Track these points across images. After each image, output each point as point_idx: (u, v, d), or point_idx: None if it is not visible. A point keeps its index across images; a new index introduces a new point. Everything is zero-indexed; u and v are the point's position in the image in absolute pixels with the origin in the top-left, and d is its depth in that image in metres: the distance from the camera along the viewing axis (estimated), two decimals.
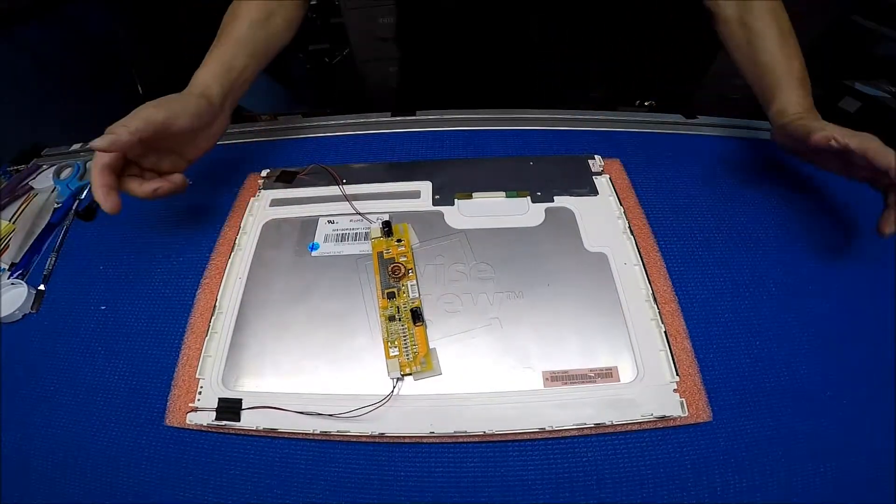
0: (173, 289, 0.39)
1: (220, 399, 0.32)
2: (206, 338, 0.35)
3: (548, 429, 0.30)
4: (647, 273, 0.37)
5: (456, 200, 0.43)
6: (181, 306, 0.38)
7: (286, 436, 0.31)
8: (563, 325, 0.34)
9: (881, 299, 0.37)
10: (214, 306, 0.36)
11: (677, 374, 0.32)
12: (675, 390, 0.31)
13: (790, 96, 0.41)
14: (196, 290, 0.38)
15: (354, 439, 0.31)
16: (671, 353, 0.33)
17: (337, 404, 0.31)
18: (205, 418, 0.31)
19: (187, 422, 0.32)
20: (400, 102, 0.56)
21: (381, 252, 0.39)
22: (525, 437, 0.30)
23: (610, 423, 0.30)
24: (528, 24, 0.58)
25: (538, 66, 0.62)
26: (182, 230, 0.43)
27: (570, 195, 0.43)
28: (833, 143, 0.34)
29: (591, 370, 0.32)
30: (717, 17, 0.46)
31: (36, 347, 0.37)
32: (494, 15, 0.56)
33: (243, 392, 0.32)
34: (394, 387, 0.32)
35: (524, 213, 0.42)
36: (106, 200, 0.33)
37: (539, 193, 0.43)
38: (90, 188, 0.39)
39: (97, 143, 0.32)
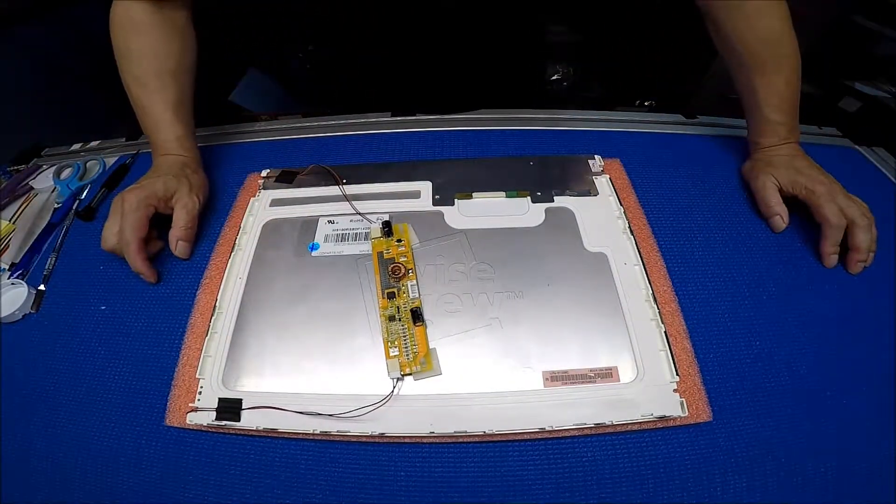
0: (173, 289, 0.39)
1: (220, 399, 0.32)
2: (206, 338, 0.35)
3: (548, 429, 0.30)
4: (647, 273, 0.37)
5: (456, 200, 0.43)
6: (181, 306, 0.38)
7: (286, 436, 0.31)
8: (563, 325, 0.34)
9: (881, 299, 0.37)
10: (214, 306, 0.36)
11: (677, 374, 0.32)
12: (675, 390, 0.31)
13: (758, 128, 0.43)
14: (196, 290, 0.38)
15: (354, 439, 0.31)
16: (671, 353, 0.33)
17: (337, 404, 0.31)
18: (205, 418, 0.31)
19: (187, 422, 0.32)
20: (400, 103, 0.56)
21: (381, 252, 0.39)
22: (525, 437, 0.30)
23: (610, 423, 0.30)
24: (528, 25, 0.57)
25: (538, 67, 0.62)
26: None
27: (570, 195, 0.43)
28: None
29: (591, 370, 0.32)
30: (703, 15, 0.44)
31: (36, 347, 0.37)
32: (495, 15, 0.56)
33: (243, 392, 0.32)
34: (394, 387, 0.32)
35: (524, 213, 0.42)
36: (152, 274, 0.38)
37: (539, 193, 0.43)
38: (90, 191, 0.40)
39: (143, 272, 0.38)
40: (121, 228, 0.37)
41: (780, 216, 0.40)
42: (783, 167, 0.41)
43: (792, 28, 0.41)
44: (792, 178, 0.40)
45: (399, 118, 0.54)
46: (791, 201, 0.41)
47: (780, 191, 0.41)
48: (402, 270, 0.37)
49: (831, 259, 0.38)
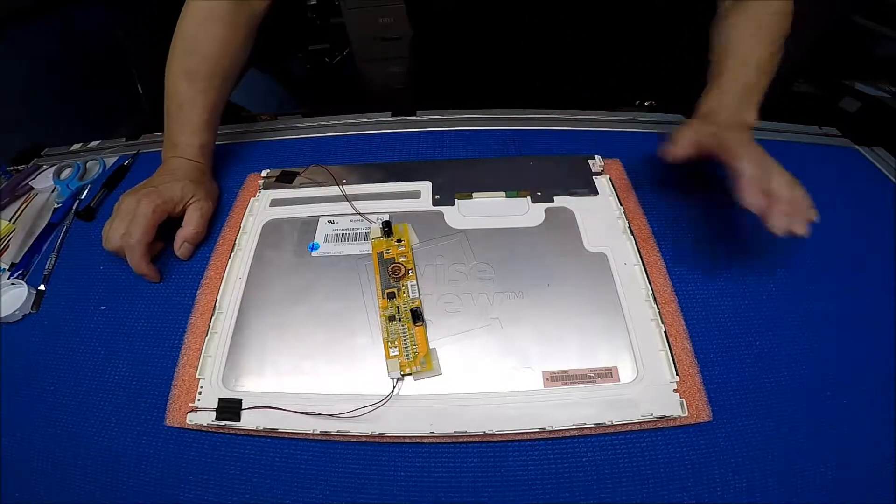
0: (173, 289, 0.39)
1: (220, 399, 0.32)
2: (207, 338, 0.35)
3: (548, 429, 0.30)
4: (647, 273, 0.37)
5: (456, 200, 0.43)
6: (181, 306, 0.38)
7: (286, 436, 0.31)
8: (563, 325, 0.34)
9: (881, 299, 0.37)
10: (214, 306, 0.36)
11: (677, 374, 0.32)
12: (675, 390, 0.31)
13: (723, 98, 0.40)
14: (196, 290, 0.38)
15: (354, 439, 0.31)
16: (671, 353, 0.33)
17: (337, 404, 0.31)
18: (205, 418, 0.31)
19: (187, 422, 0.32)
20: (400, 102, 0.56)
21: (381, 252, 0.39)
22: (525, 437, 0.30)
23: (610, 423, 0.30)
24: (528, 25, 0.57)
25: (538, 67, 0.62)
26: None
27: (570, 195, 0.43)
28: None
29: (591, 370, 0.32)
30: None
31: (36, 347, 0.37)
32: (495, 15, 0.56)
33: (243, 392, 0.32)
34: (394, 387, 0.32)
35: (524, 213, 0.42)
36: (155, 275, 0.39)
37: (539, 193, 0.43)
38: (90, 191, 0.40)
39: (148, 274, 0.38)
40: (128, 231, 0.37)
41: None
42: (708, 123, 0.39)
43: (781, 46, 0.42)
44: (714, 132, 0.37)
45: (399, 118, 0.54)
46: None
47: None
48: (402, 270, 0.37)
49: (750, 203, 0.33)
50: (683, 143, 0.37)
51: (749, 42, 0.42)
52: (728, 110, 0.40)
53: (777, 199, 0.32)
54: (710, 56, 0.44)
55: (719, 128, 0.37)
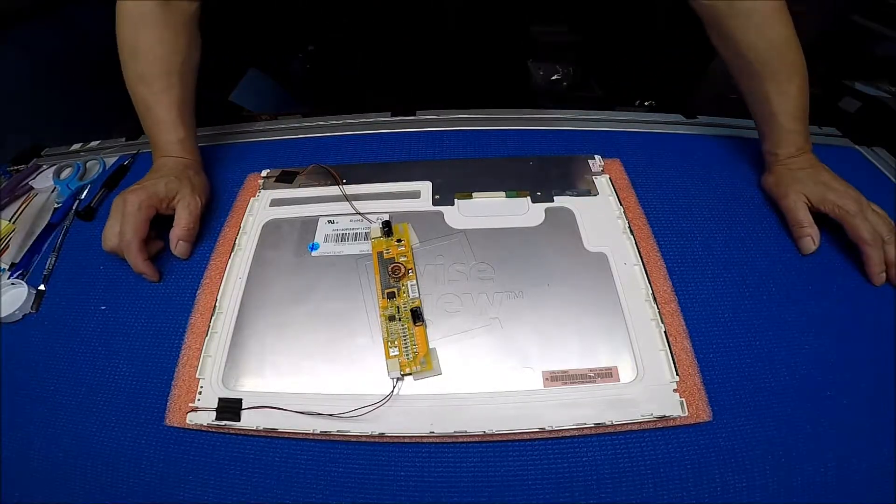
0: (173, 289, 0.39)
1: (220, 399, 0.32)
2: (207, 338, 0.35)
3: (548, 429, 0.30)
4: (647, 273, 0.37)
5: (456, 200, 0.43)
6: (181, 306, 0.38)
7: (286, 436, 0.31)
8: (563, 325, 0.34)
9: (881, 299, 0.37)
10: (214, 306, 0.36)
11: (677, 374, 0.32)
12: (674, 390, 0.31)
13: (775, 138, 0.42)
14: (196, 290, 0.38)
15: (354, 439, 0.31)
16: (671, 352, 0.33)
17: (337, 404, 0.31)
18: (205, 418, 0.31)
19: (187, 422, 0.32)
20: (400, 102, 0.56)
21: (381, 252, 0.39)
22: (525, 437, 0.30)
23: (610, 423, 0.30)
24: (528, 25, 0.58)
25: (538, 67, 0.62)
26: None
27: (570, 195, 0.43)
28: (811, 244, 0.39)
29: (590, 370, 0.32)
30: (704, 21, 0.43)
31: (36, 347, 0.37)
32: (495, 15, 0.56)
33: (243, 392, 0.32)
34: (394, 387, 0.32)
35: (524, 213, 0.42)
36: (153, 273, 0.39)
37: (539, 193, 0.43)
38: (90, 191, 0.40)
39: (146, 272, 0.38)
40: (121, 230, 0.37)
41: (812, 237, 0.39)
42: (811, 182, 0.40)
43: (795, 33, 0.40)
44: (822, 194, 0.39)
45: (399, 118, 0.54)
46: (818, 217, 0.40)
47: (810, 208, 0.40)
48: (402, 270, 0.37)
49: (880, 278, 0.37)
50: (811, 229, 0.39)
51: (784, 49, 0.41)
52: (806, 155, 0.42)
53: (893, 266, 0.37)
54: (732, 71, 0.43)
55: (816, 187, 0.40)
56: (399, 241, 0.40)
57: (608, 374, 0.32)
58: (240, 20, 0.90)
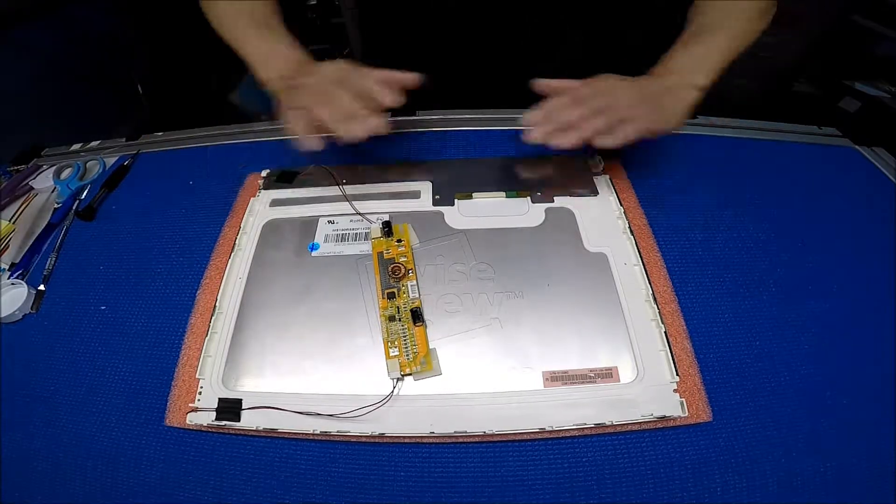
0: (173, 289, 0.39)
1: (220, 399, 0.32)
2: (206, 338, 0.35)
3: (548, 429, 0.30)
4: (647, 273, 0.37)
5: (456, 200, 0.43)
6: (181, 306, 0.38)
7: (286, 436, 0.31)
8: (563, 325, 0.34)
9: (881, 299, 0.37)
10: (214, 306, 0.36)
11: (677, 374, 0.32)
12: (675, 390, 0.31)
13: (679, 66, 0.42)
14: (196, 290, 0.38)
15: (354, 439, 0.31)
16: (671, 353, 0.33)
17: (337, 404, 0.31)
18: (205, 418, 0.31)
19: (187, 422, 0.32)
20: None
21: (381, 252, 0.39)
22: (525, 437, 0.30)
23: (610, 423, 0.30)
24: (527, 24, 0.57)
25: (538, 66, 0.62)
26: (182, 230, 0.43)
27: (570, 195, 0.43)
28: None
29: (591, 370, 0.32)
30: None
31: (36, 347, 0.37)
32: (494, 14, 0.56)
33: (243, 392, 0.32)
34: (394, 387, 0.32)
35: (524, 213, 0.42)
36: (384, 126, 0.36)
37: (539, 193, 0.43)
38: (90, 191, 0.40)
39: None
40: (360, 73, 0.38)
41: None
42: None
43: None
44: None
45: (399, 118, 0.54)
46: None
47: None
48: (402, 270, 0.37)
49: (531, 133, 0.36)
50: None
51: (721, 15, 0.42)
52: (681, 71, 0.41)
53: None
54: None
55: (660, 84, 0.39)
56: (399, 241, 0.40)
57: (608, 374, 0.32)
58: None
